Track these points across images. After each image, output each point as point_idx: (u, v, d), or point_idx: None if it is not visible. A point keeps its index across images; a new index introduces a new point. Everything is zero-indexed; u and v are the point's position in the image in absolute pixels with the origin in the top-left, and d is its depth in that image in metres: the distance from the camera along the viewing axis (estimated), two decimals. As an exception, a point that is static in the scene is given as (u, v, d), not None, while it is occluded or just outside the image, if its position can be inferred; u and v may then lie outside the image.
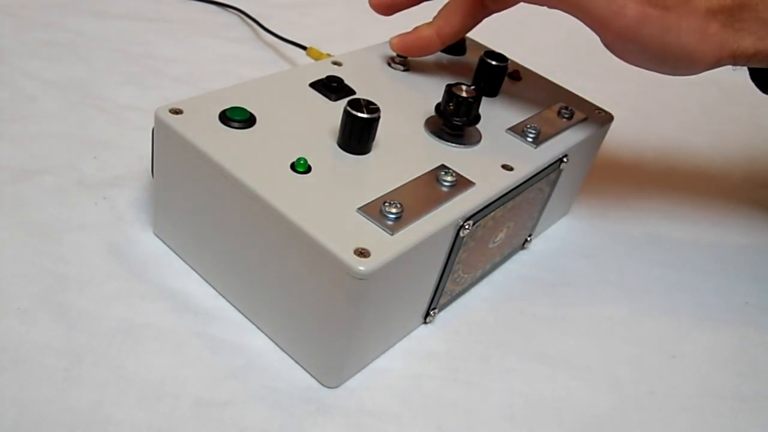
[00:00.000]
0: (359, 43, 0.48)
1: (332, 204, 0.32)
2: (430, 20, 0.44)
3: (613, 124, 0.47)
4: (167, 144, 0.36)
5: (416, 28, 0.44)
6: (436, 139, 0.39)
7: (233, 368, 0.34)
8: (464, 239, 0.35)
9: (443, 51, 0.49)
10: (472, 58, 0.49)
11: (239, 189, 0.33)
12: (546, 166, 0.40)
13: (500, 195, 0.37)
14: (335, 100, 0.40)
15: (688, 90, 0.77)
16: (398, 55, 0.46)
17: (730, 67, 0.40)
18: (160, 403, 0.32)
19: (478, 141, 0.40)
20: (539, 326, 0.41)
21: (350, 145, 0.36)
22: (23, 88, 0.51)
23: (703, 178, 0.60)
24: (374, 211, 0.32)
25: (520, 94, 0.46)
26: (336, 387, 0.35)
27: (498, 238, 0.40)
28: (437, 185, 0.35)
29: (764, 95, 0.45)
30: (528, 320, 0.41)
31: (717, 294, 0.47)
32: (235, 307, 0.37)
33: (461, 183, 0.36)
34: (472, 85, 0.39)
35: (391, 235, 0.31)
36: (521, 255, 0.46)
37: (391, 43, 0.45)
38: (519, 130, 0.42)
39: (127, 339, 0.34)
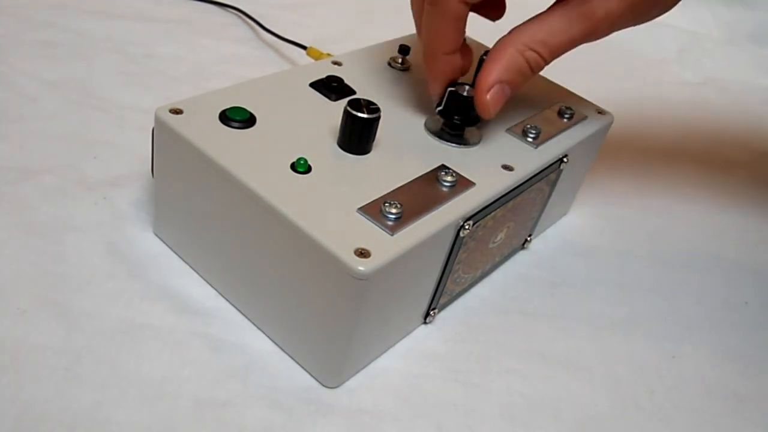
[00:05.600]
0: (359, 43, 0.48)
1: (332, 204, 0.32)
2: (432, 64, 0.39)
3: (613, 124, 0.47)
4: (167, 144, 0.36)
5: (427, 69, 0.39)
6: (437, 139, 0.39)
7: (233, 368, 0.34)
8: (464, 239, 0.35)
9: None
10: (472, 58, 0.49)
11: (239, 189, 0.33)
12: (546, 166, 0.40)
13: (500, 195, 0.37)
14: (335, 100, 0.40)
15: (688, 90, 0.77)
16: (398, 54, 0.46)
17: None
18: (160, 403, 0.32)
19: (478, 141, 0.40)
20: (539, 326, 0.41)
21: (350, 145, 0.36)
22: (23, 88, 0.51)
23: (702, 177, 0.60)
24: (374, 211, 0.32)
25: (520, 94, 0.46)
26: (336, 387, 0.35)
27: (498, 238, 0.40)
28: (437, 185, 0.35)
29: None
30: (528, 320, 0.41)
31: (717, 294, 0.47)
32: (235, 307, 0.37)
33: (461, 183, 0.36)
34: (472, 85, 0.39)
35: (391, 235, 0.31)
36: (521, 255, 0.46)
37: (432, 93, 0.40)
38: (519, 130, 0.42)
39: (127, 339, 0.34)
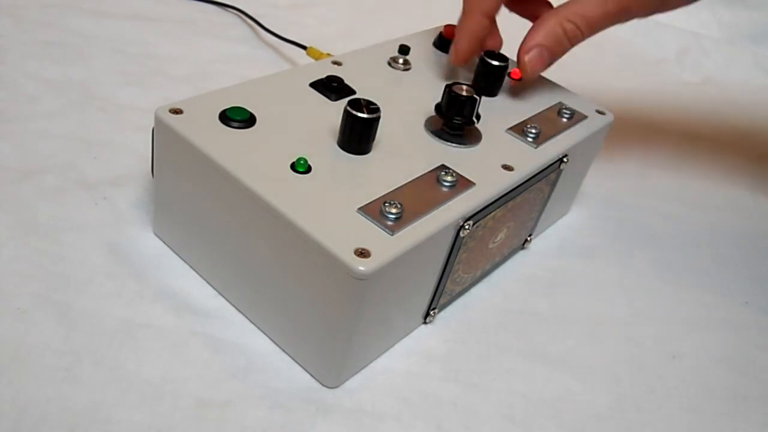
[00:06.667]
0: (359, 43, 0.48)
1: (332, 204, 0.32)
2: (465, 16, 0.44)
3: (613, 124, 0.47)
4: (167, 144, 0.36)
5: (460, 26, 0.44)
6: (437, 139, 0.39)
7: (233, 368, 0.34)
8: (464, 239, 0.35)
9: (444, 51, 0.49)
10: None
11: (239, 189, 0.33)
12: (546, 166, 0.40)
13: (500, 195, 0.37)
14: (335, 100, 0.40)
15: (688, 90, 0.77)
16: (398, 54, 0.46)
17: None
18: (160, 403, 0.32)
19: (479, 141, 0.40)
20: (539, 326, 0.41)
21: (350, 145, 0.36)
22: (23, 88, 0.51)
23: (703, 178, 0.60)
24: (374, 211, 0.32)
25: (520, 94, 0.46)
26: (336, 387, 0.35)
27: (498, 238, 0.40)
28: (437, 185, 0.35)
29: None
30: (528, 320, 0.41)
31: (717, 294, 0.47)
32: (235, 307, 0.37)
33: (461, 183, 0.36)
34: (472, 85, 0.39)
35: (391, 235, 0.31)
36: (521, 255, 0.46)
37: (452, 60, 0.44)
38: (519, 130, 0.42)
39: (127, 339, 0.34)
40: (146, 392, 0.32)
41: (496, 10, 0.43)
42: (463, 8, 0.44)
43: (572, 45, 0.43)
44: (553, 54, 0.43)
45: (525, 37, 0.43)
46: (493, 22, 0.44)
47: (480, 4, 0.43)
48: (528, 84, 0.47)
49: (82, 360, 0.33)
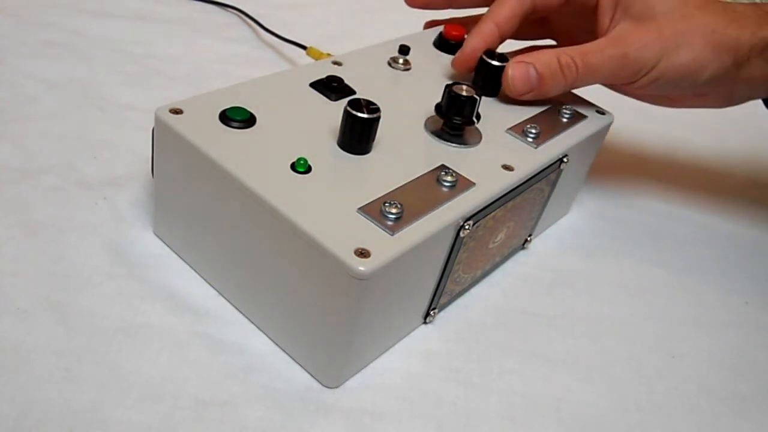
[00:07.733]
0: (359, 43, 0.48)
1: (332, 204, 0.32)
2: (479, 24, 0.45)
3: (613, 124, 0.47)
4: (167, 144, 0.36)
5: (471, 32, 0.45)
6: (436, 139, 0.39)
7: (233, 368, 0.34)
8: (464, 239, 0.35)
9: (444, 51, 0.49)
10: (472, 58, 0.49)
11: (239, 189, 0.33)
12: (546, 166, 0.40)
13: (500, 195, 0.37)
14: (335, 100, 0.40)
15: (688, 90, 0.77)
16: (398, 54, 0.46)
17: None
18: (160, 403, 0.32)
19: (479, 141, 0.40)
20: (539, 326, 0.41)
21: (350, 145, 0.36)
22: (23, 88, 0.51)
23: (703, 178, 0.60)
24: (374, 211, 0.32)
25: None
26: (336, 387, 0.35)
27: (498, 238, 0.40)
28: (437, 185, 0.35)
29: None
30: (528, 320, 0.41)
31: (717, 294, 0.47)
32: (235, 307, 0.37)
33: (461, 183, 0.36)
34: (472, 85, 0.39)
35: (392, 235, 0.31)
36: (521, 255, 0.46)
37: (454, 65, 0.45)
38: (519, 130, 0.42)
39: (127, 339, 0.34)
40: (146, 392, 0.32)
41: (510, 25, 0.44)
42: (482, 17, 0.45)
43: (567, 80, 0.42)
44: (543, 78, 0.42)
45: (516, 58, 0.43)
46: (502, 39, 0.45)
47: (496, 14, 0.44)
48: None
49: (82, 360, 0.33)
